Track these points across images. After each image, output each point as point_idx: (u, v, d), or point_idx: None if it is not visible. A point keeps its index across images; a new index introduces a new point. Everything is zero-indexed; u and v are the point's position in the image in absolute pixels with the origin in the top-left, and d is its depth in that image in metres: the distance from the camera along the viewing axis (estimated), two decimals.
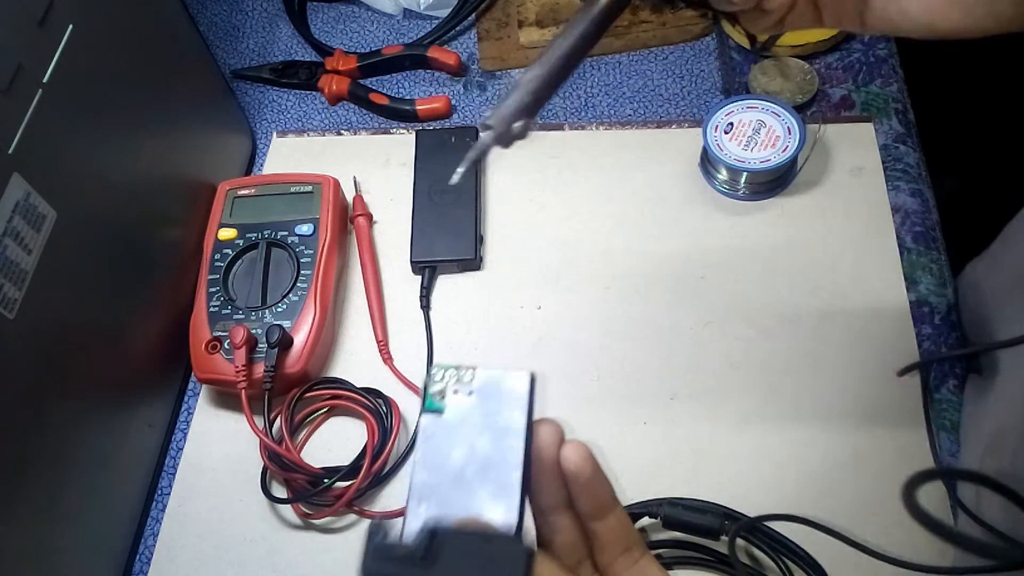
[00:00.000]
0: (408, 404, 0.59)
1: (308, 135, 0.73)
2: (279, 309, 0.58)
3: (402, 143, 0.71)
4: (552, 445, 0.30)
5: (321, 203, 0.63)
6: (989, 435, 0.50)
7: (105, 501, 0.54)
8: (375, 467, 0.54)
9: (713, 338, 0.60)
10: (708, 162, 0.65)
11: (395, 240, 0.66)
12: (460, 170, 0.37)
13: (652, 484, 0.54)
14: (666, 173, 0.67)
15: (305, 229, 0.62)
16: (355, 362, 0.61)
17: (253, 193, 0.64)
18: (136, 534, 0.57)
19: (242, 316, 0.58)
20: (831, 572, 0.48)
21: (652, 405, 0.58)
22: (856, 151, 0.66)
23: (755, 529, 0.49)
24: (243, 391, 0.55)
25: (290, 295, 0.59)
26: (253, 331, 0.56)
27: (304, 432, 0.58)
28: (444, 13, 0.77)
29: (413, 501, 0.29)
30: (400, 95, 0.74)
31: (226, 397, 0.61)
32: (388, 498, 0.56)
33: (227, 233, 0.62)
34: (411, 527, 0.29)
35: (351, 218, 0.67)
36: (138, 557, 0.56)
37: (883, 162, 0.65)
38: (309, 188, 0.64)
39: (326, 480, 0.53)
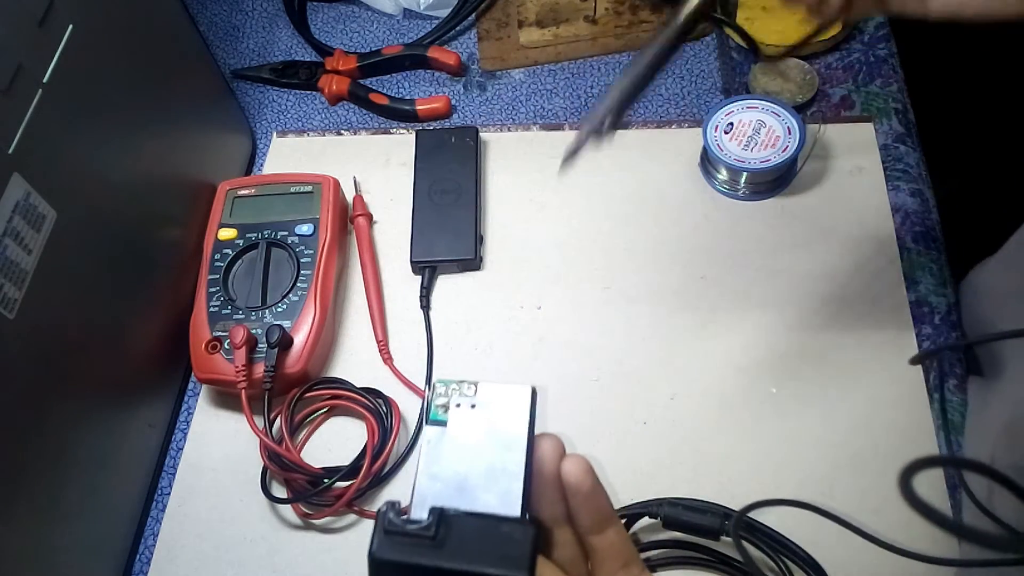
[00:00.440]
0: (408, 404, 0.59)
1: (308, 135, 0.73)
2: (279, 309, 0.58)
3: (402, 143, 0.71)
4: (553, 458, 0.31)
5: (321, 203, 0.63)
6: (999, 429, 0.50)
7: (105, 501, 0.53)
8: (375, 467, 0.54)
9: (713, 338, 0.60)
10: (708, 162, 0.65)
11: (395, 240, 0.66)
12: (566, 160, 0.43)
13: (652, 484, 0.54)
14: (666, 173, 0.67)
15: (305, 229, 0.62)
16: (355, 362, 0.62)
17: (253, 193, 0.64)
18: (136, 534, 0.57)
19: (242, 316, 0.58)
20: (833, 563, 0.48)
21: (652, 405, 0.58)
22: (856, 151, 0.66)
23: (755, 529, 0.49)
24: (243, 391, 0.55)
25: (290, 295, 0.59)
26: (253, 331, 0.56)
27: (304, 432, 0.58)
28: (444, 13, 0.77)
29: (417, 510, 0.29)
30: (400, 95, 0.74)
31: (226, 397, 0.61)
32: (388, 498, 0.56)
33: (227, 233, 0.62)
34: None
35: (351, 218, 0.67)
36: (138, 557, 0.56)
37: (883, 162, 0.65)
38: (309, 188, 0.64)
39: (326, 480, 0.53)
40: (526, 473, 0.30)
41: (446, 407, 0.31)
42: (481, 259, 0.64)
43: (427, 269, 0.64)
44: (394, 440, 0.55)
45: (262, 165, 0.72)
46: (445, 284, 0.64)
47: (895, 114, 0.68)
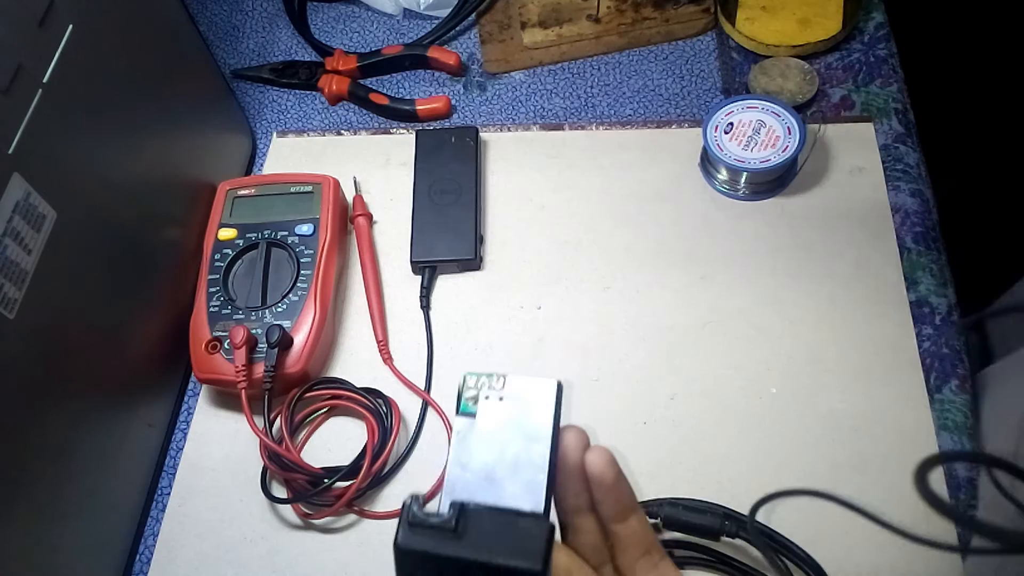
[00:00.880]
0: (408, 404, 0.59)
1: (308, 135, 0.73)
2: (279, 309, 0.58)
3: (402, 143, 0.71)
4: (577, 449, 0.32)
5: (321, 203, 0.63)
6: (1018, 421, 0.50)
7: (105, 501, 0.53)
8: (375, 467, 0.54)
9: (713, 338, 0.60)
10: (708, 162, 0.65)
11: (395, 240, 0.66)
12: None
13: (652, 484, 0.54)
14: (666, 173, 0.67)
15: (305, 229, 0.62)
16: (355, 362, 0.62)
17: (253, 193, 0.64)
18: (136, 534, 0.57)
19: (242, 316, 0.58)
20: (834, 563, 0.48)
21: (652, 405, 0.58)
22: (856, 151, 0.66)
23: (755, 529, 0.49)
24: (243, 391, 0.55)
25: (290, 295, 0.59)
26: (253, 331, 0.56)
27: (304, 432, 0.58)
28: (444, 13, 0.77)
29: (445, 496, 0.31)
30: (400, 95, 0.74)
31: (226, 397, 0.61)
32: (388, 498, 0.56)
33: (227, 233, 0.62)
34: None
35: (351, 218, 0.67)
36: (138, 557, 0.56)
37: (883, 162, 0.65)
38: (309, 188, 0.64)
39: (326, 480, 0.53)
40: (551, 464, 0.31)
41: (475, 399, 0.33)
42: (481, 259, 0.64)
43: (427, 269, 0.64)
44: (394, 440, 0.55)
45: (262, 165, 0.72)
46: (445, 284, 0.64)
47: (895, 114, 0.68)
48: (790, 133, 0.63)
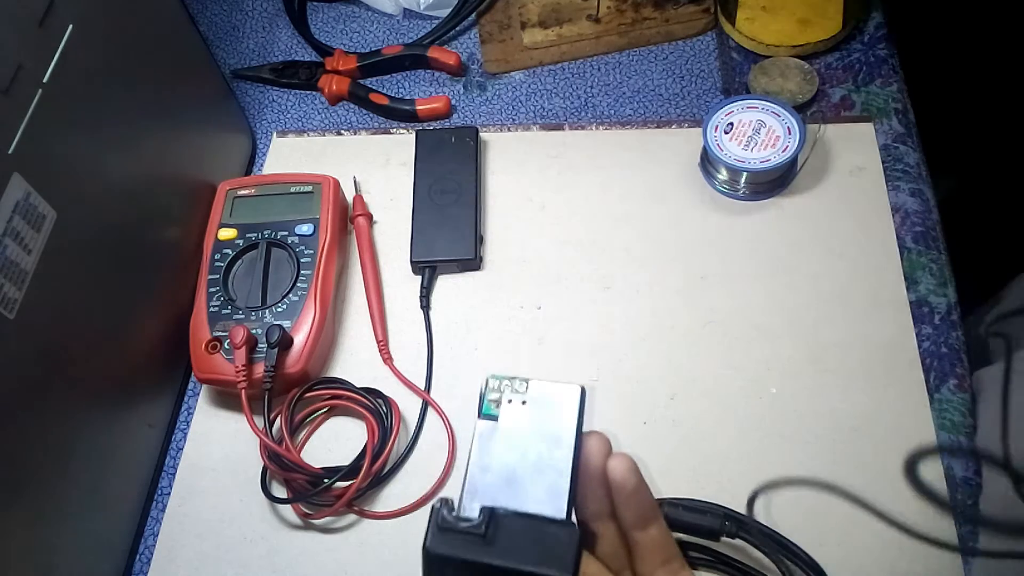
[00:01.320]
0: (408, 404, 0.59)
1: (308, 135, 0.73)
2: (279, 309, 0.58)
3: (402, 143, 0.71)
4: (599, 456, 0.32)
5: (321, 203, 0.63)
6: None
7: (105, 501, 0.54)
8: (375, 467, 0.54)
9: (713, 338, 0.60)
10: (708, 162, 0.65)
11: (395, 240, 0.66)
12: None
13: (652, 484, 0.53)
14: (666, 173, 0.67)
15: (305, 229, 0.62)
16: (355, 362, 0.61)
17: (253, 193, 0.64)
18: (136, 534, 0.57)
19: (242, 316, 0.58)
20: (834, 563, 0.48)
21: (652, 405, 0.58)
22: (856, 151, 0.66)
23: (755, 529, 0.49)
24: (243, 391, 0.55)
25: (290, 295, 0.59)
26: (253, 331, 0.56)
27: (304, 432, 0.58)
28: (444, 13, 0.77)
29: (467, 497, 0.31)
30: (400, 95, 0.74)
31: (226, 397, 0.61)
32: (388, 498, 0.56)
33: (227, 233, 0.62)
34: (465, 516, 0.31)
35: (351, 218, 0.67)
36: (138, 557, 0.56)
37: (883, 162, 0.65)
38: (309, 188, 0.64)
39: (326, 480, 0.53)
40: (573, 469, 0.32)
41: (498, 402, 0.33)
42: (481, 259, 0.64)
43: (427, 269, 0.64)
44: (394, 440, 0.55)
45: (262, 165, 0.72)
46: (445, 284, 0.64)
47: (895, 114, 0.68)
48: (790, 133, 0.63)
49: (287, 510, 0.56)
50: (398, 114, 0.73)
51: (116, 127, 0.53)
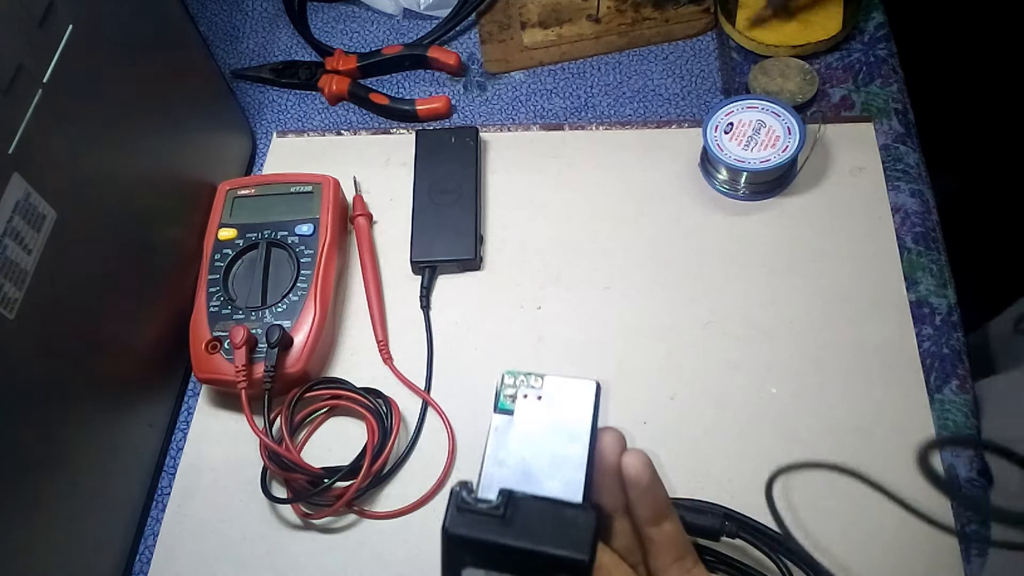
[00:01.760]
0: (408, 404, 0.59)
1: (308, 135, 0.73)
2: (279, 309, 0.58)
3: (402, 143, 0.71)
4: (614, 452, 0.33)
5: (321, 203, 0.63)
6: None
7: (105, 501, 0.53)
8: (375, 467, 0.54)
9: (713, 338, 0.60)
10: (708, 162, 0.65)
11: (395, 240, 0.66)
12: None
13: None
14: (666, 173, 0.67)
15: (305, 229, 0.62)
16: (355, 362, 0.61)
17: (253, 193, 0.64)
18: (136, 534, 0.57)
19: (242, 316, 0.58)
20: (833, 563, 0.49)
21: (652, 405, 0.58)
22: (856, 151, 0.66)
23: (756, 529, 0.49)
24: (243, 391, 0.55)
25: (290, 295, 0.59)
26: (253, 331, 0.56)
27: (304, 432, 0.58)
28: (444, 13, 0.77)
29: (484, 492, 0.31)
30: (400, 95, 0.74)
31: (226, 397, 0.61)
32: (388, 498, 0.56)
33: (227, 233, 0.62)
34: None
35: (351, 218, 0.67)
36: (138, 557, 0.56)
37: (883, 162, 0.65)
38: (309, 188, 0.64)
39: (326, 480, 0.53)
40: (588, 463, 0.32)
41: (514, 397, 0.33)
42: (481, 259, 0.64)
43: (427, 269, 0.64)
44: (394, 440, 0.55)
45: (262, 165, 0.72)
46: (445, 284, 0.64)
47: (895, 114, 0.68)
48: (790, 133, 0.63)
49: (287, 510, 0.56)
50: (398, 114, 0.73)
51: (116, 127, 0.53)
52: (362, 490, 0.54)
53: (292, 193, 0.64)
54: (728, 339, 0.59)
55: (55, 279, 0.46)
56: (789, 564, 0.49)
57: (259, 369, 0.56)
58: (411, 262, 0.64)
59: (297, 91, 0.76)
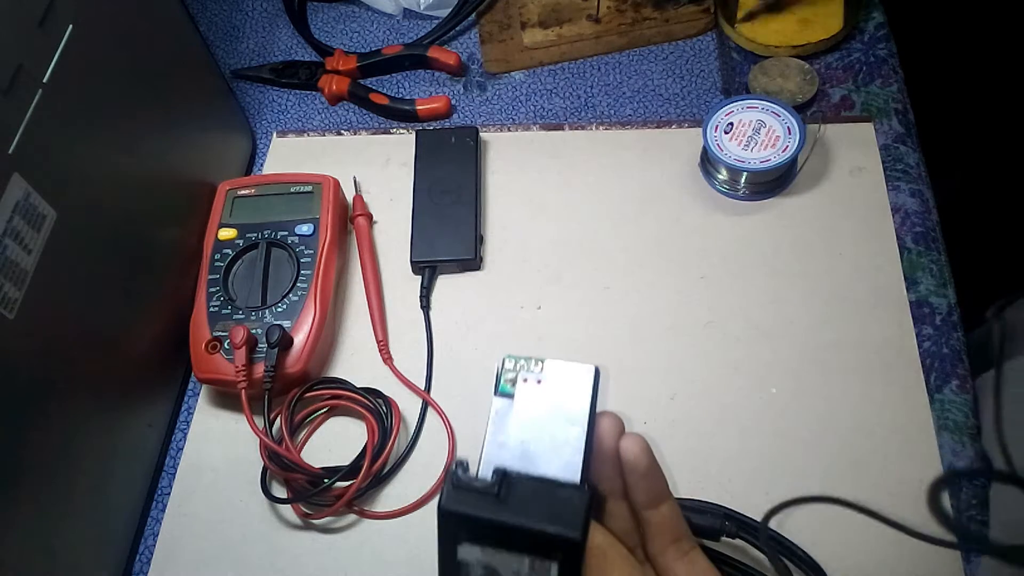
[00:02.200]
0: (408, 404, 0.59)
1: (308, 135, 0.73)
2: (279, 309, 0.58)
3: (402, 143, 0.71)
4: (612, 436, 0.33)
5: (321, 203, 0.63)
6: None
7: (105, 501, 0.54)
8: (375, 467, 0.54)
9: (713, 338, 0.60)
10: (708, 162, 0.65)
11: (395, 240, 0.66)
12: None
13: None
14: (666, 173, 0.67)
15: (305, 229, 0.62)
16: (355, 362, 0.61)
17: (253, 193, 0.64)
18: (136, 534, 0.57)
19: (242, 316, 0.58)
20: (833, 563, 0.48)
21: (652, 405, 0.58)
22: (856, 151, 0.66)
23: (755, 530, 0.49)
24: (243, 391, 0.55)
25: (290, 295, 0.59)
26: (253, 331, 0.56)
27: (304, 432, 0.58)
28: (444, 13, 0.77)
29: (483, 473, 0.32)
30: (400, 95, 0.74)
31: (226, 397, 0.61)
32: (388, 498, 0.56)
33: (227, 233, 0.62)
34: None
35: (351, 218, 0.67)
36: (138, 557, 0.56)
37: (883, 162, 0.65)
38: (309, 188, 0.64)
39: (326, 480, 0.53)
40: (587, 447, 0.32)
41: (514, 381, 0.34)
42: (481, 259, 0.64)
43: (427, 269, 0.64)
44: (394, 440, 0.55)
45: (262, 165, 0.72)
46: (445, 284, 0.64)
47: (895, 114, 0.68)
48: (790, 133, 0.63)
49: (287, 510, 0.56)
50: (398, 114, 0.73)
51: (116, 127, 0.53)
52: (362, 490, 0.54)
53: (292, 193, 0.64)
54: (728, 339, 0.59)
55: (55, 279, 0.46)
56: (789, 564, 0.49)
57: (259, 369, 0.56)
58: (411, 262, 0.64)
59: (297, 91, 0.76)
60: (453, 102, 0.73)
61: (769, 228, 0.64)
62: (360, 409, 0.56)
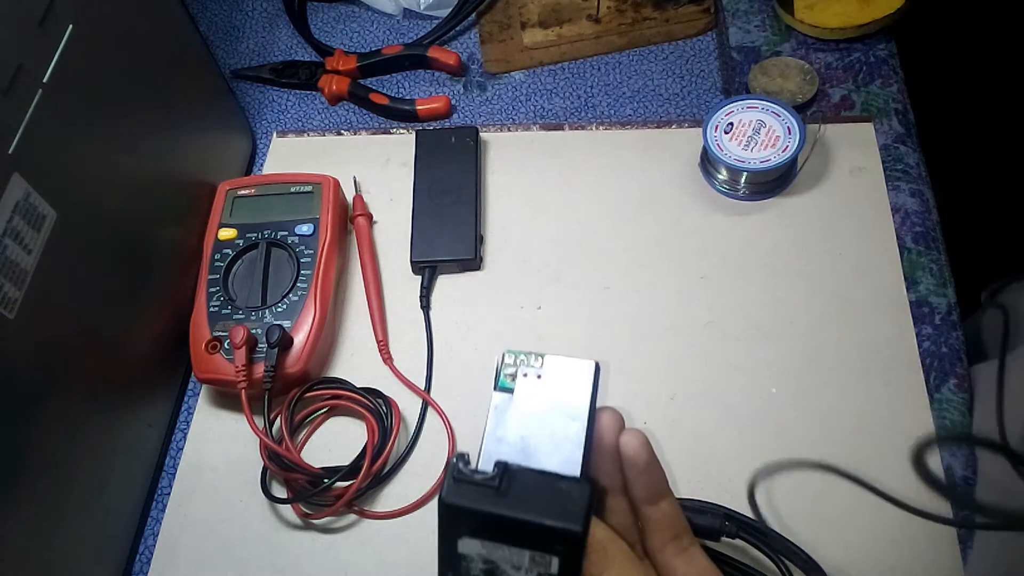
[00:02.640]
0: (408, 404, 0.59)
1: (308, 135, 0.73)
2: (279, 309, 0.58)
3: (402, 143, 0.71)
4: (612, 431, 0.33)
5: (321, 203, 0.63)
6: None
7: (105, 501, 0.53)
8: (375, 467, 0.54)
9: (713, 338, 0.60)
10: (708, 162, 0.65)
11: (395, 240, 0.66)
12: None
13: None
14: (666, 173, 0.67)
15: (305, 229, 0.62)
16: (355, 362, 0.62)
17: (253, 193, 0.64)
18: (136, 534, 0.57)
19: (242, 316, 0.58)
20: (833, 564, 0.48)
21: (652, 405, 0.58)
22: (856, 151, 0.66)
23: (756, 529, 0.49)
24: (243, 391, 0.55)
25: (290, 295, 0.59)
26: (253, 331, 0.56)
27: (304, 432, 0.58)
28: (444, 13, 0.77)
29: (482, 465, 0.32)
30: (400, 95, 0.74)
31: (226, 397, 0.61)
32: (388, 498, 0.56)
33: (227, 233, 0.62)
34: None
35: (351, 218, 0.67)
36: (138, 557, 0.56)
37: (883, 162, 0.65)
38: (309, 188, 0.64)
39: (326, 480, 0.53)
40: (586, 442, 0.32)
41: (514, 376, 0.33)
42: (481, 259, 0.64)
43: (427, 269, 0.64)
44: (394, 440, 0.55)
45: (262, 165, 0.72)
46: (445, 284, 0.64)
47: (895, 114, 0.68)
48: (790, 133, 0.63)
49: (287, 510, 0.56)
50: (398, 114, 0.73)
51: (116, 127, 0.53)
52: (362, 490, 0.54)
53: (292, 193, 0.64)
54: (728, 339, 0.59)
55: (55, 279, 0.46)
56: (789, 564, 0.49)
57: (259, 369, 0.56)
58: (411, 262, 0.64)
59: (297, 91, 0.76)
60: (453, 102, 0.73)
61: (769, 228, 0.64)
62: (360, 409, 0.56)
